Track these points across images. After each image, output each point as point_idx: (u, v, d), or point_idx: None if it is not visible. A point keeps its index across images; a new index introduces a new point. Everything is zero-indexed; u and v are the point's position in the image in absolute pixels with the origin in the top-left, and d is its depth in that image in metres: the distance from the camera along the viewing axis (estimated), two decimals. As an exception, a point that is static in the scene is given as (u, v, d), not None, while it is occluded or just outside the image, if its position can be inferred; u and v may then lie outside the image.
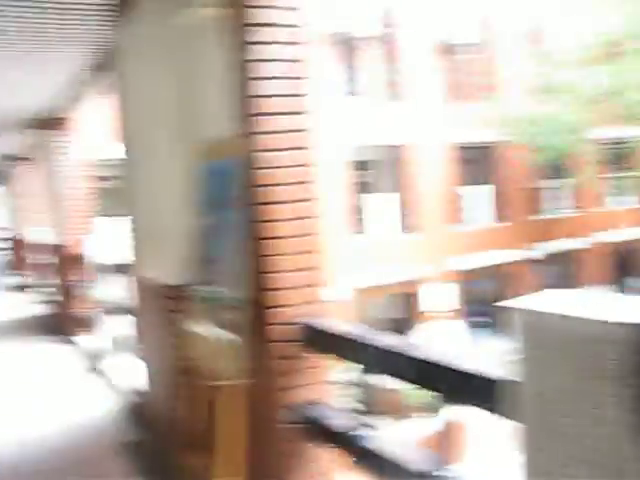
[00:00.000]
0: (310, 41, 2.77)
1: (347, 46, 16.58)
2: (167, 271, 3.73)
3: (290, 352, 2.67)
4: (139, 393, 5.27)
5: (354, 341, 2.39)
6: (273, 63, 2.68)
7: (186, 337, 3.32)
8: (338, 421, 2.53)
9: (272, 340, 2.69)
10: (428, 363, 1.99)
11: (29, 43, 5.23)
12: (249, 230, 2.67)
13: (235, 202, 2.80)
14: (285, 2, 2.76)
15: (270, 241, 2.61)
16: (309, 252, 2.69)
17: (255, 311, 2.78)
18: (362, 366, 2.73)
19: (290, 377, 2.67)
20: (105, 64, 5.67)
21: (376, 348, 2.26)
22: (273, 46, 2.68)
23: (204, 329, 3.12)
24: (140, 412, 4.94)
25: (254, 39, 2.65)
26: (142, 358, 5.01)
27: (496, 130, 17.74)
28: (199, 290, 3.20)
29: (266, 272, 2.65)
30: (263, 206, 2.60)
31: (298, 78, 2.68)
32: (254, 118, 2.59)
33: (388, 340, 2.27)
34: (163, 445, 4.04)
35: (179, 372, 3.53)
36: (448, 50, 18.55)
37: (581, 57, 17.05)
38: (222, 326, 2.92)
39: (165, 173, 3.80)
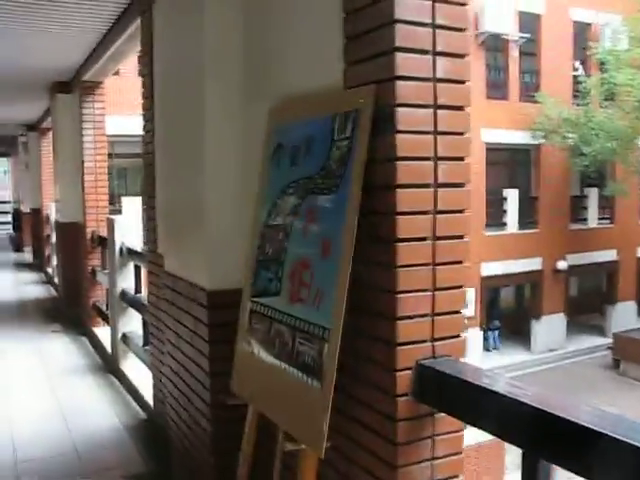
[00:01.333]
0: None
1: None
2: (207, 270, 2.80)
3: (406, 411, 1.77)
4: (146, 409, 4.40)
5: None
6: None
7: (240, 363, 2.41)
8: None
9: (380, 391, 1.81)
10: None
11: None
12: (360, 224, 1.77)
13: (336, 182, 1.89)
14: None
15: (395, 244, 1.70)
16: (458, 262, 1.79)
17: (353, 345, 1.89)
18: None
19: (405, 449, 1.77)
20: (130, 15, 4.76)
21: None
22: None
23: (263, 358, 2.22)
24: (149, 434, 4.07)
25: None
26: (151, 367, 4.14)
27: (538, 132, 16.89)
28: (259, 303, 2.29)
29: (382, 288, 1.76)
30: (390, 190, 1.69)
31: (463, 4, 1.76)
32: (387, 57, 1.69)
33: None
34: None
35: (220, 406, 2.63)
36: (494, 44, 17.61)
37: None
38: (292, 361, 2.00)
39: (213, 143, 2.83)
